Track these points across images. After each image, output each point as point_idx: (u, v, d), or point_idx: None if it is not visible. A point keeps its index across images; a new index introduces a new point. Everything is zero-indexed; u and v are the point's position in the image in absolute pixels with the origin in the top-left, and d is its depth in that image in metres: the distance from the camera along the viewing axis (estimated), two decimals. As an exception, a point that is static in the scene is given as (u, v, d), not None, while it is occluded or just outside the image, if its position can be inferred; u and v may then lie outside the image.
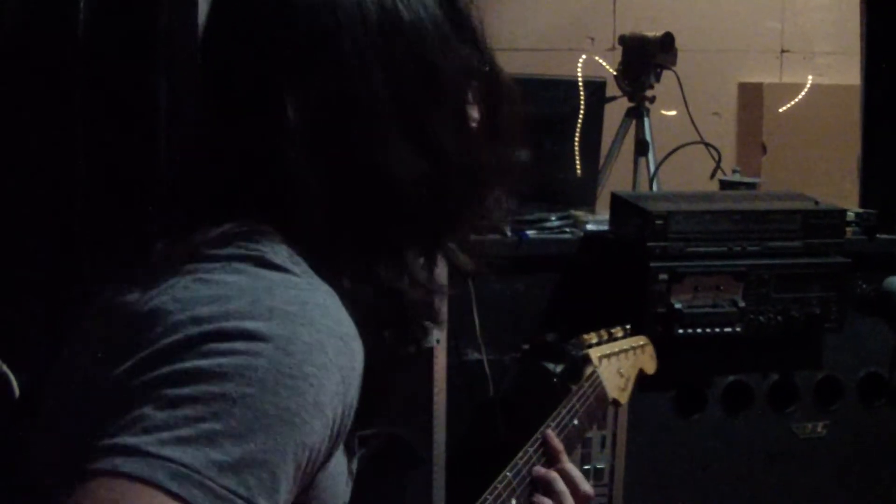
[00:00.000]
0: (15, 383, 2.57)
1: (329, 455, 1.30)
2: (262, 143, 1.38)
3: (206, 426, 1.15)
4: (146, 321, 1.26)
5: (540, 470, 2.14)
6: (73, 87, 3.48)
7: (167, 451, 1.13)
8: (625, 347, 2.67)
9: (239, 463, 1.15)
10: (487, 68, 1.54)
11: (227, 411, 1.16)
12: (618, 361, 2.62)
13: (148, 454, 1.12)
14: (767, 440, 3.72)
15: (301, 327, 1.23)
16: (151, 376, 1.19)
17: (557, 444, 2.20)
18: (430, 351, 3.41)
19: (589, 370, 2.50)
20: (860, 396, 3.81)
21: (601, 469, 3.39)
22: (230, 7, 1.49)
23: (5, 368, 2.62)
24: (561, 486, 2.11)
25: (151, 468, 1.11)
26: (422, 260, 1.52)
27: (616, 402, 2.58)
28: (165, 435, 1.14)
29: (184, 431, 1.14)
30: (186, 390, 1.17)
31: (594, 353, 2.55)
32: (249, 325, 1.21)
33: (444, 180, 1.47)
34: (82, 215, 3.48)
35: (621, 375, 2.62)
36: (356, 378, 1.30)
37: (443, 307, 1.57)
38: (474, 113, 1.54)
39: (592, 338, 2.58)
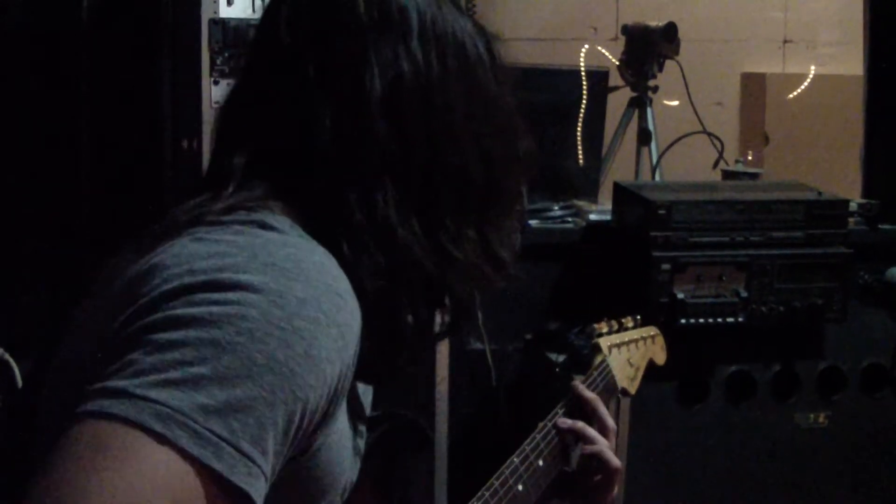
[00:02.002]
0: (17, 371, 2.57)
1: (327, 415, 1.30)
2: (347, 114, 1.44)
3: (193, 370, 1.16)
4: (144, 277, 1.28)
5: (566, 421, 2.19)
6: (78, 74, 3.49)
7: (153, 393, 1.14)
8: (635, 337, 2.66)
9: (224, 407, 1.16)
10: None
11: (214, 356, 1.17)
12: (628, 351, 2.61)
13: (134, 396, 1.14)
14: (769, 430, 3.72)
15: (295, 282, 1.25)
16: (143, 323, 1.21)
17: (590, 394, 2.24)
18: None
19: (598, 359, 2.49)
20: (862, 387, 3.81)
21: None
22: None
23: (8, 357, 2.62)
24: (592, 432, 2.18)
25: (137, 409, 1.13)
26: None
27: (625, 392, 2.57)
28: (153, 377, 1.15)
29: (171, 374, 1.15)
30: (176, 335, 1.18)
31: (604, 343, 2.54)
32: (243, 277, 1.23)
33: (492, 179, 1.54)
34: (85, 205, 3.48)
35: (631, 365, 2.61)
36: (354, 336, 1.31)
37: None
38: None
39: (603, 327, 2.57)
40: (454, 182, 1.49)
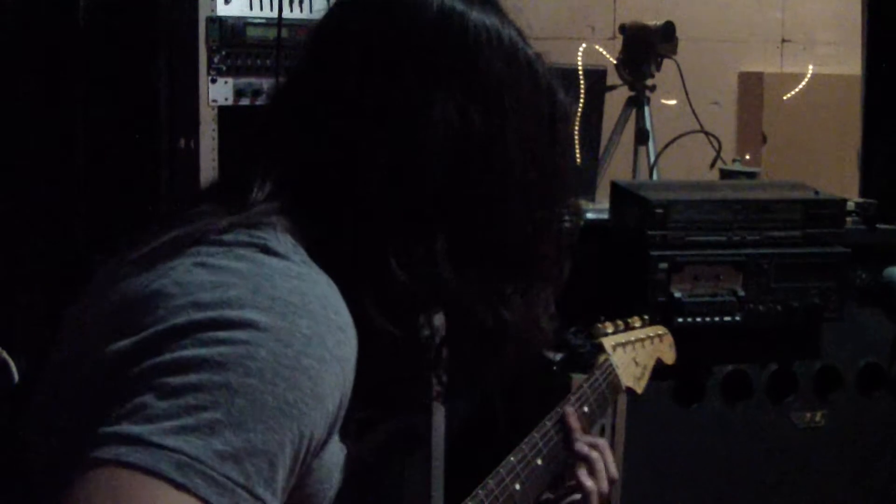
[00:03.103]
0: (14, 369, 2.57)
1: (325, 442, 1.31)
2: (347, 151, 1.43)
3: (207, 416, 1.16)
4: (147, 303, 1.27)
5: (583, 447, 2.16)
6: (76, 71, 3.49)
7: (170, 441, 1.13)
8: (641, 337, 2.66)
9: (239, 452, 1.16)
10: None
11: (228, 401, 1.17)
12: (633, 350, 2.61)
13: (151, 444, 1.13)
14: (766, 430, 3.72)
15: (301, 319, 1.24)
16: (153, 363, 1.20)
17: (574, 422, 2.19)
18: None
19: (602, 358, 2.49)
20: (859, 386, 3.81)
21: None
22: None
23: (5, 355, 2.62)
24: (601, 467, 2.14)
25: (155, 459, 1.12)
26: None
27: (631, 391, 2.57)
28: (168, 424, 1.14)
29: (186, 421, 1.15)
30: (188, 378, 1.18)
31: (608, 342, 2.54)
32: (250, 314, 1.23)
33: (544, 226, 1.55)
34: (82, 203, 3.48)
35: (637, 364, 2.61)
36: (352, 367, 1.32)
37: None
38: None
39: (608, 327, 2.57)
40: (503, 246, 1.50)
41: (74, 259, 3.38)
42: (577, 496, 2.15)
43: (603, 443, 2.20)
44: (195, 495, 1.12)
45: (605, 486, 2.12)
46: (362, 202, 1.42)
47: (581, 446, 2.14)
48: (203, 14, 3.43)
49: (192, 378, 1.18)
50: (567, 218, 1.61)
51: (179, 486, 1.12)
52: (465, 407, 3.63)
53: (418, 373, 1.55)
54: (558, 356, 3.42)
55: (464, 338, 1.53)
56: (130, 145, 3.54)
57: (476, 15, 1.51)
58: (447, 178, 1.44)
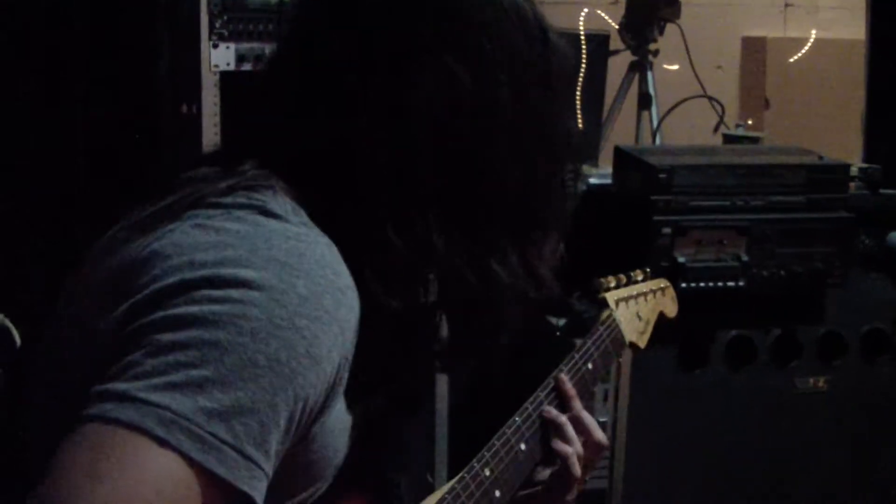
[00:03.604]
0: (16, 334, 2.56)
1: (325, 406, 1.30)
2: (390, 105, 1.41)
3: (195, 373, 1.15)
4: (143, 265, 1.27)
5: (551, 411, 2.10)
6: (76, 39, 3.48)
7: (156, 397, 1.13)
8: (644, 291, 2.64)
9: (228, 410, 1.15)
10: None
11: (217, 359, 1.16)
12: (636, 305, 2.59)
13: (137, 399, 1.13)
14: (769, 395, 3.72)
15: (297, 279, 1.23)
16: (145, 321, 1.20)
17: (570, 388, 2.15)
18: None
19: (605, 314, 2.47)
20: (862, 352, 3.80)
21: (603, 422, 3.39)
22: None
23: (8, 322, 2.61)
24: (571, 432, 2.07)
25: (140, 414, 1.12)
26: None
27: (634, 346, 2.55)
28: (155, 381, 1.14)
29: (174, 377, 1.15)
30: (178, 336, 1.17)
31: (611, 297, 2.51)
32: (245, 273, 1.22)
33: (542, 183, 1.54)
34: (83, 171, 3.48)
35: (640, 318, 2.59)
36: (353, 329, 1.31)
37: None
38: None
39: (611, 281, 2.54)
40: (500, 205, 1.48)
41: (75, 227, 3.38)
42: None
43: (577, 408, 2.16)
44: (178, 451, 1.12)
45: (579, 448, 2.08)
46: (357, 170, 1.41)
47: (549, 410, 2.11)
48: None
49: (182, 335, 1.17)
50: (569, 173, 1.59)
51: (162, 442, 1.12)
52: (469, 373, 3.63)
53: (419, 344, 1.54)
54: (562, 322, 3.42)
55: (461, 305, 1.51)
56: (132, 112, 3.52)
57: None
58: (441, 139, 1.42)
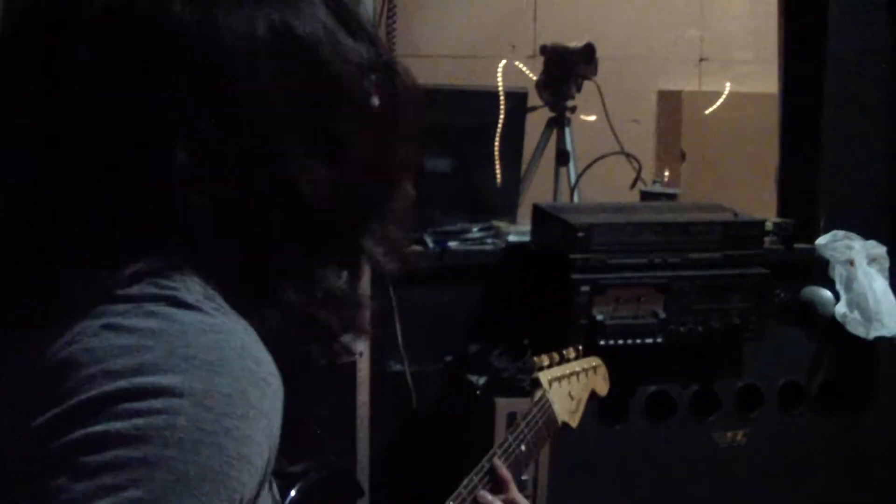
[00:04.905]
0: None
1: (256, 496, 1.28)
2: (155, 180, 1.28)
3: (127, 495, 1.11)
4: (57, 373, 1.20)
5: (486, 496, 2.10)
6: None
7: None
8: (576, 369, 2.65)
9: None
10: (385, 64, 1.46)
11: (148, 476, 1.12)
12: (569, 384, 2.60)
13: None
14: (689, 449, 3.75)
15: (219, 377, 1.19)
16: (67, 440, 1.15)
17: (505, 473, 2.16)
18: (353, 364, 3.40)
19: (538, 394, 2.48)
20: (780, 404, 3.85)
21: (525, 480, 3.39)
22: (105, 37, 1.30)
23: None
24: None
25: None
26: (345, 273, 1.45)
27: (566, 426, 2.56)
28: None
29: (105, 502, 1.11)
30: (105, 456, 1.12)
31: (544, 377, 2.52)
32: (165, 379, 1.16)
33: (354, 184, 1.40)
34: None
35: (572, 398, 2.60)
36: (279, 416, 1.26)
37: (367, 317, 1.53)
38: (376, 110, 1.45)
39: (544, 360, 2.55)
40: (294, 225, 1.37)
41: None
42: None
43: (513, 493, 2.17)
44: None
45: None
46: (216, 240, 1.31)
47: (483, 495, 2.12)
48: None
49: (109, 455, 1.12)
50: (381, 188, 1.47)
51: None
52: (390, 431, 3.64)
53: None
54: (482, 380, 3.43)
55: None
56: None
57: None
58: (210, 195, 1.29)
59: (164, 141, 1.26)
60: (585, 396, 2.67)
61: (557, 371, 2.57)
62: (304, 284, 1.39)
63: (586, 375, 2.69)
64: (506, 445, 2.24)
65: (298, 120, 1.34)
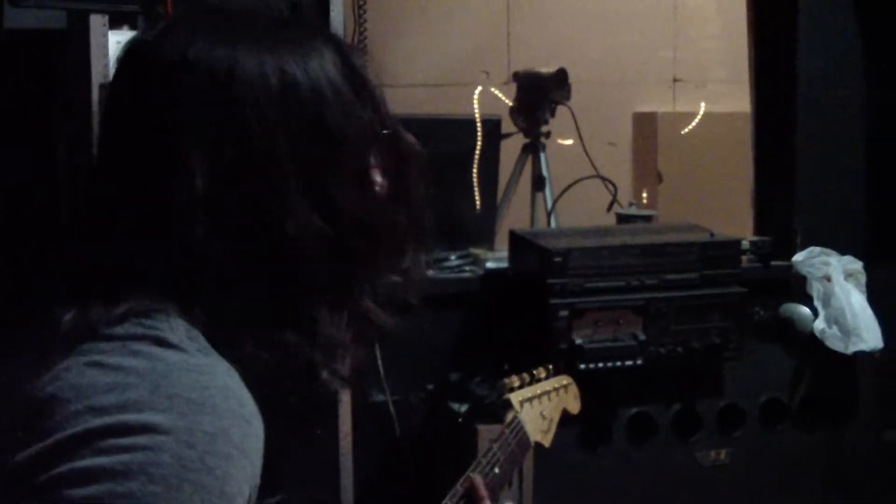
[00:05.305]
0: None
1: None
2: (165, 213, 1.34)
3: None
4: (43, 409, 1.23)
5: None
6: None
7: None
8: (547, 389, 2.66)
9: None
10: (389, 131, 1.51)
11: None
12: (540, 404, 2.61)
13: None
14: (672, 469, 3.75)
15: (203, 416, 1.21)
16: (52, 475, 1.17)
17: (483, 491, 2.18)
18: (335, 395, 3.40)
19: (510, 416, 2.48)
20: (762, 422, 3.86)
21: (505, 505, 3.40)
22: (131, 76, 1.43)
23: None
24: None
25: None
26: (335, 318, 1.47)
27: (539, 445, 2.57)
28: None
29: None
30: (89, 490, 1.15)
31: (515, 398, 2.53)
32: (149, 417, 1.19)
33: (345, 240, 1.43)
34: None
35: (544, 418, 2.61)
36: (260, 456, 1.29)
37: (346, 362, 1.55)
38: (377, 175, 1.50)
39: (514, 381, 2.56)
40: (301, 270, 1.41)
41: None
42: None
43: None
44: None
45: None
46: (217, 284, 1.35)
47: None
48: (96, 81, 3.41)
49: (93, 490, 1.15)
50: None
51: None
52: (373, 459, 3.64)
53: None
54: (463, 407, 3.44)
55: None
56: (32, 215, 3.50)
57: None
58: (241, 243, 1.36)
59: (183, 169, 1.33)
60: (557, 415, 2.68)
61: (528, 392, 2.58)
62: (303, 328, 1.42)
63: (557, 394, 2.70)
64: (479, 468, 2.25)
65: (297, 167, 1.39)
